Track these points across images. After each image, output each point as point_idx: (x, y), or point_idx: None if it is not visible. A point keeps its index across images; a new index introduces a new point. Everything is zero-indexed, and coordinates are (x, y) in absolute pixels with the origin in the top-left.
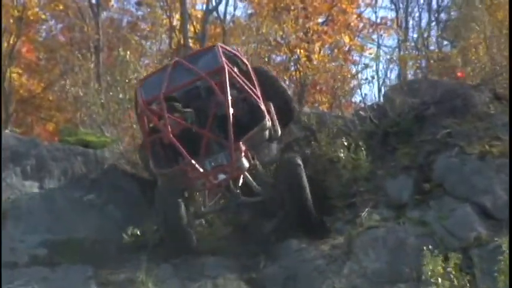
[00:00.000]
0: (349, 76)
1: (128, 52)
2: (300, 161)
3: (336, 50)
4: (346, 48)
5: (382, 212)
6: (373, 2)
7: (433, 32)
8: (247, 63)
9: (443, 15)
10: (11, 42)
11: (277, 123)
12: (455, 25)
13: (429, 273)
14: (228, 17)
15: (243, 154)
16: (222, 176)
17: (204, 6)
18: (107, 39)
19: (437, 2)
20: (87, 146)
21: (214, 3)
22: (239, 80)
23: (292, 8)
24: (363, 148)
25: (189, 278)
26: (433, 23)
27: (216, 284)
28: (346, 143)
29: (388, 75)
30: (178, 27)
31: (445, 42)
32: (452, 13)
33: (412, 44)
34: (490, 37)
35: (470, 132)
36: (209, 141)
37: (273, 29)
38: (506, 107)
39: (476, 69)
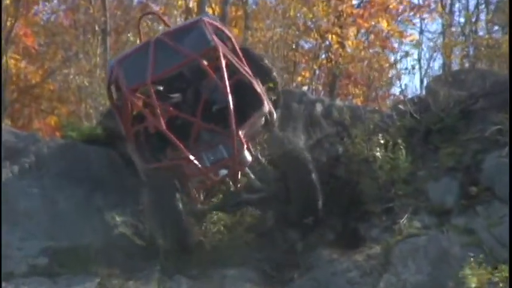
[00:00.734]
0: (387, 65)
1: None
2: (308, 155)
3: (372, 36)
4: (384, 34)
5: (423, 219)
6: None
7: (482, 16)
8: (232, 38)
9: None
10: (8, 24)
11: (272, 106)
12: (507, 8)
13: (475, 286)
14: None
15: (245, 146)
16: (223, 172)
17: None
18: (114, 21)
19: None
20: (93, 142)
21: None
22: (231, 59)
23: None
24: (402, 147)
25: None
26: (482, 6)
27: None
28: (383, 141)
29: (431, 65)
30: (195, 9)
31: (496, 27)
32: None
33: (458, 29)
34: None
35: None
36: (199, 130)
37: (301, 12)
38: None
39: None
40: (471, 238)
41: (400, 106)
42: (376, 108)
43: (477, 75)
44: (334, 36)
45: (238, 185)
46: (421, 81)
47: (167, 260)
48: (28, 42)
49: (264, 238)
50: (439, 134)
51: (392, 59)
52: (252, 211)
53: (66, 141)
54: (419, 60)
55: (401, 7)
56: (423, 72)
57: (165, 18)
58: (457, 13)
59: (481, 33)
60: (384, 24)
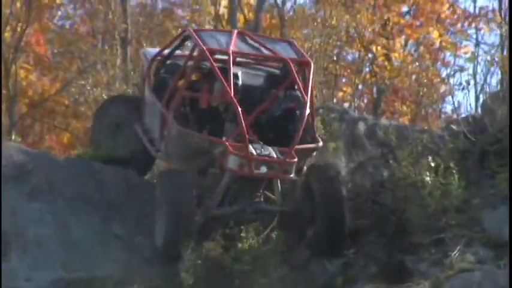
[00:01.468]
0: (438, 80)
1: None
2: (339, 170)
3: (421, 48)
4: (435, 46)
5: (477, 252)
6: None
7: None
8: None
9: None
10: (18, 30)
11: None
12: None
13: None
14: (288, 5)
15: (295, 160)
16: (263, 169)
17: None
18: (136, 29)
19: None
20: (112, 161)
21: None
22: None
23: None
24: (454, 171)
25: None
26: None
27: None
28: (433, 164)
29: (488, 80)
30: (225, 16)
31: None
32: None
33: None
34: None
35: None
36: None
37: (343, 20)
38: None
39: None
40: None
41: (453, 126)
42: (426, 127)
43: None
44: (379, 47)
45: (259, 194)
46: (477, 99)
47: None
48: (41, 50)
49: (300, 271)
50: (496, 157)
51: (444, 73)
52: (274, 228)
53: (80, 160)
54: (474, 75)
55: (454, 16)
56: (479, 89)
57: (193, 26)
58: None
59: None
60: (434, 35)
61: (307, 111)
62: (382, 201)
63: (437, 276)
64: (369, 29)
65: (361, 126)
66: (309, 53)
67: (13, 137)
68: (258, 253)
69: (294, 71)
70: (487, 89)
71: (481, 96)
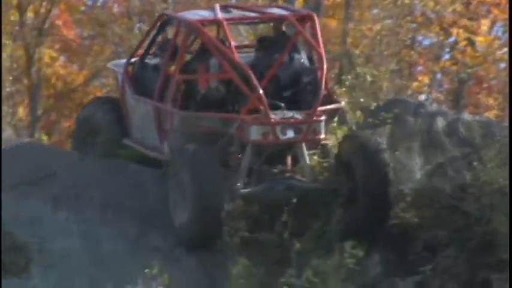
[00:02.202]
0: None
1: None
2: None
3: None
4: None
5: None
6: None
7: None
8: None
9: None
10: (42, 11)
11: None
12: None
13: None
14: None
15: (324, 118)
16: (290, 134)
17: None
18: (175, 10)
19: None
20: (148, 162)
21: None
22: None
23: None
24: None
25: None
26: None
27: None
28: None
29: None
30: None
31: None
32: None
33: None
34: None
35: None
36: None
37: None
38: None
39: None
40: None
41: None
42: None
43: None
44: (461, 30)
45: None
46: None
47: None
48: (68, 34)
49: None
50: None
51: None
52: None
53: (114, 161)
54: None
55: None
56: None
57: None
58: None
59: None
60: None
61: (325, 64)
62: (464, 209)
63: None
64: (449, 9)
65: (440, 122)
66: (378, 37)
67: (36, 134)
68: (319, 268)
69: (298, 26)
70: None
71: None
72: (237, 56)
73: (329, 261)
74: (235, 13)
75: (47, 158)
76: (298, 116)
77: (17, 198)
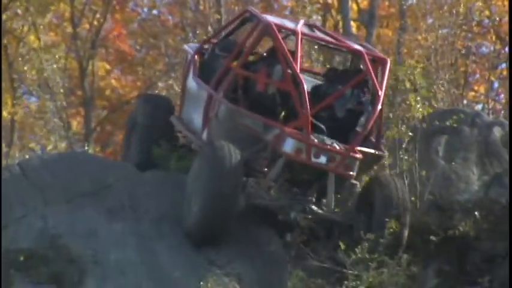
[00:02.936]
0: None
1: None
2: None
3: None
4: None
5: None
6: None
7: None
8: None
9: None
10: (95, 23)
11: None
12: None
13: None
14: None
15: (358, 157)
16: (323, 160)
17: None
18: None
19: None
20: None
21: None
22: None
23: None
24: None
25: None
26: None
27: None
28: None
29: None
30: (334, 4)
31: None
32: None
33: None
34: None
35: None
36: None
37: (475, 7)
38: None
39: None
40: None
41: None
42: None
43: None
44: None
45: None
46: None
47: None
48: (123, 46)
49: None
50: None
51: None
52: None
53: (169, 174)
54: None
55: None
56: None
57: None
58: None
59: None
60: None
61: (379, 107)
62: None
63: None
64: (506, 17)
65: (497, 132)
66: (433, 47)
67: (90, 146)
68: (375, 280)
69: (369, 65)
70: None
71: None
72: (298, 69)
73: (385, 274)
74: (316, 32)
75: (101, 169)
76: (336, 145)
77: (72, 210)
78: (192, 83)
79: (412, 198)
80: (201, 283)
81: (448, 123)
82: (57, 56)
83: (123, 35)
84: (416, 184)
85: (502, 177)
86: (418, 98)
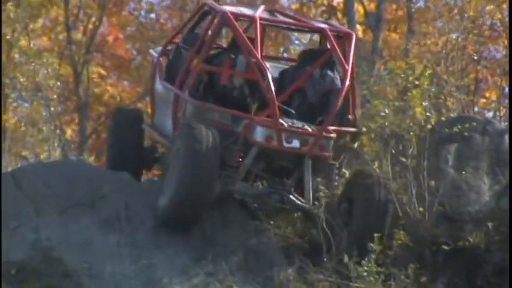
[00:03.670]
0: None
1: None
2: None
3: None
4: None
5: None
6: None
7: None
8: None
9: None
10: (90, 27)
11: None
12: None
13: None
14: None
15: (332, 136)
16: (296, 144)
17: None
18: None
19: None
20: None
21: None
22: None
23: None
24: None
25: None
26: None
27: None
28: None
29: None
30: (341, 7)
31: None
32: None
33: None
34: None
35: None
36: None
37: (485, 11)
38: None
39: None
40: None
41: None
42: None
43: None
44: None
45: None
46: None
47: None
48: (120, 50)
49: None
50: None
51: None
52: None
53: None
54: None
55: None
56: None
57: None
58: None
59: None
60: None
61: (347, 82)
62: None
63: None
64: None
65: (509, 140)
66: (443, 51)
67: (85, 155)
68: None
69: (333, 41)
70: None
71: None
72: (260, 56)
73: (393, 287)
74: (278, 17)
75: (96, 179)
76: (307, 127)
77: (66, 221)
78: (159, 87)
79: (421, 209)
80: None
81: (458, 130)
82: (49, 61)
83: (119, 39)
84: (424, 194)
85: None
86: (426, 103)
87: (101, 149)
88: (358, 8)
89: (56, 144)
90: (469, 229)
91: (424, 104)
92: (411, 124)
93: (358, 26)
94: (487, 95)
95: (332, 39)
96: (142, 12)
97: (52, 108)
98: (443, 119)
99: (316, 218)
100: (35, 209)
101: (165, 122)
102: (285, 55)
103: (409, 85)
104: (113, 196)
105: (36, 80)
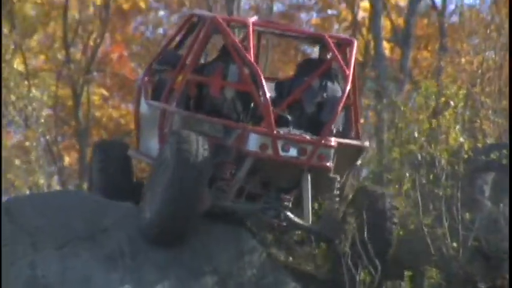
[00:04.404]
0: None
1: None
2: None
3: None
4: None
5: None
6: None
7: None
8: None
9: None
10: (91, 44)
11: None
12: None
13: None
14: (451, 7)
15: (332, 145)
16: (293, 152)
17: None
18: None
19: None
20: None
21: None
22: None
23: None
24: None
25: None
26: None
27: None
28: None
29: None
30: (365, 23)
31: None
32: None
33: None
34: None
35: None
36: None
37: None
38: None
39: None
40: None
41: None
42: None
43: None
44: None
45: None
46: None
47: None
48: (124, 69)
49: None
50: None
51: None
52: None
53: None
54: None
55: None
56: None
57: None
58: None
59: None
60: None
61: (348, 87)
62: None
63: None
64: None
65: None
66: (479, 71)
67: (84, 184)
68: None
69: (334, 49)
70: None
71: None
72: (253, 60)
73: None
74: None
75: (97, 211)
76: (306, 135)
77: (64, 257)
78: (144, 108)
79: (454, 245)
80: None
81: (495, 158)
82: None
83: (124, 57)
84: (458, 228)
85: None
86: (458, 127)
87: None
88: (385, 23)
89: (52, 173)
90: (507, 267)
91: (457, 127)
92: (444, 150)
93: (384, 43)
94: None
95: (332, 46)
96: (149, 27)
97: (48, 137)
98: (479, 145)
99: (341, 253)
100: (31, 243)
101: (151, 143)
102: None
103: (441, 106)
104: (115, 229)
105: (31, 106)
